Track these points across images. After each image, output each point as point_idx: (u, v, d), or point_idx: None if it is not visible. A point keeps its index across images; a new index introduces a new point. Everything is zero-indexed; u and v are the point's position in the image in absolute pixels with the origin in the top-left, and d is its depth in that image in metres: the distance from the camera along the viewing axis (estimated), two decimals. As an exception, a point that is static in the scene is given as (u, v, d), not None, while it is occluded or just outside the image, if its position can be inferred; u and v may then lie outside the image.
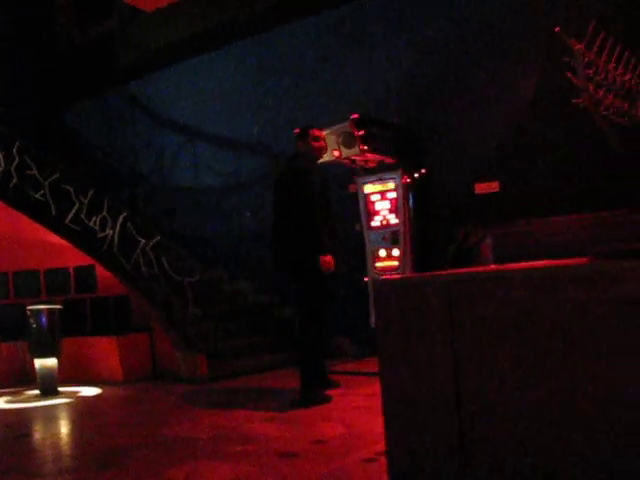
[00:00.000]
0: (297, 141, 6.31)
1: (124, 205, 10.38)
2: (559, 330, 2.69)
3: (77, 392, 7.81)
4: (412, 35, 8.39)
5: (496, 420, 2.82)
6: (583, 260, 2.90)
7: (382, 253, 7.95)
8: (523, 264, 3.27)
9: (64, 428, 6.29)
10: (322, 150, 6.43)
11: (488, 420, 2.85)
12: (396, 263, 7.79)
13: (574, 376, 2.64)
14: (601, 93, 5.36)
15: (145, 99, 11.87)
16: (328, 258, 5.76)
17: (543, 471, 2.72)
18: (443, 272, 3.39)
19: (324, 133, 6.59)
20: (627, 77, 5.59)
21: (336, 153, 7.83)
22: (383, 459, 3.33)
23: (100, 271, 9.29)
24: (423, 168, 8.02)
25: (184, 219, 11.11)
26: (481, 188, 7.58)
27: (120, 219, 9.64)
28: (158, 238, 9.44)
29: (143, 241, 9.37)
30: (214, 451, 4.64)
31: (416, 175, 7.93)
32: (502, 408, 2.80)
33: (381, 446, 3.52)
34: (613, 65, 5.43)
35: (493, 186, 7.51)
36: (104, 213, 9.80)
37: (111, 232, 9.63)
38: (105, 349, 8.46)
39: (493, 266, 3.76)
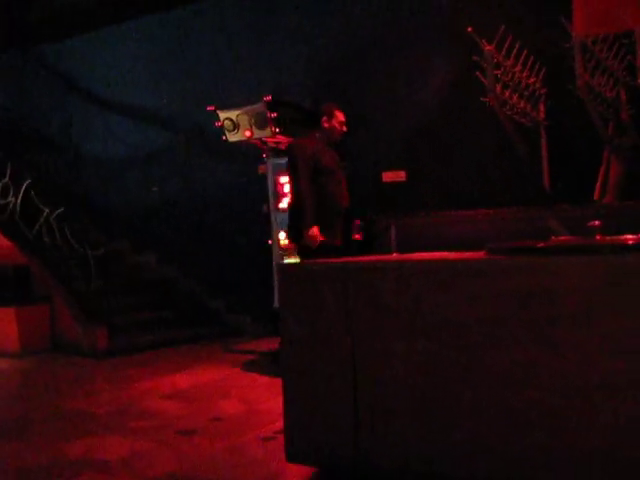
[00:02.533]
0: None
1: (29, 172, 10.07)
2: (453, 320, 2.84)
3: (-29, 363, 7.61)
4: (328, 24, 8.46)
5: (389, 404, 2.96)
6: (479, 254, 3.06)
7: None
8: (422, 255, 3.41)
9: (-44, 400, 6.13)
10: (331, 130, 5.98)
11: (383, 404, 2.98)
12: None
13: (466, 364, 2.80)
14: (507, 94, 5.59)
15: (58, 63, 11.51)
16: (311, 232, 5.62)
17: (435, 455, 2.88)
18: (341, 259, 3.50)
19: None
20: (531, 80, 5.85)
21: (247, 133, 7.83)
22: (281, 437, 3.43)
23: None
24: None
25: (90, 189, 10.89)
26: (388, 177, 7.75)
27: (24, 186, 9.36)
28: (62, 209, 9.22)
29: (47, 210, 9.13)
30: (113, 426, 4.64)
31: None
32: (395, 394, 2.94)
33: (280, 425, 3.63)
34: (519, 68, 5.66)
35: (400, 175, 7.68)
36: (6, 179, 9.51)
37: (13, 200, 9.36)
38: (2, 320, 8.23)
39: (393, 255, 3.90)
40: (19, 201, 9.30)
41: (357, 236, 5.96)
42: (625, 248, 2.65)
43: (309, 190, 5.62)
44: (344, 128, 5.98)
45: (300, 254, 5.76)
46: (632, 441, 2.48)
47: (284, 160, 8.05)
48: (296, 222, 5.69)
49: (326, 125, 5.87)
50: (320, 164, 5.71)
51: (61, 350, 8.15)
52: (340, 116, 5.91)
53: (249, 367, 6.60)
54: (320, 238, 5.54)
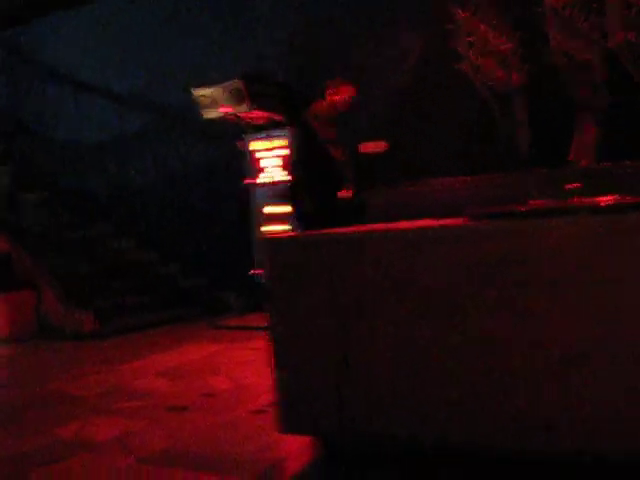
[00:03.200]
0: None
1: (6, 158, 10.00)
2: (434, 286, 2.88)
3: (-43, 351, 7.60)
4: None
5: (375, 374, 3.01)
6: (459, 220, 3.09)
7: (267, 210, 8.03)
8: (404, 223, 3.44)
9: (-56, 388, 6.13)
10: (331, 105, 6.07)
11: (368, 374, 3.03)
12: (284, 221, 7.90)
13: (447, 330, 2.85)
14: (481, 60, 5.61)
15: (26, 46, 11.38)
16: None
17: (413, 419, 2.94)
18: (325, 231, 3.52)
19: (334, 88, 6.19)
20: (505, 46, 5.87)
21: (223, 109, 7.82)
22: (272, 410, 3.48)
23: (-21, 227, 8.96)
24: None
25: (69, 174, 10.83)
26: (367, 147, 7.76)
27: (2, 172, 9.31)
28: (45, 193, 9.18)
29: (27, 196, 9.10)
30: (103, 407, 4.68)
31: (305, 133, 8.02)
32: (381, 363, 2.99)
33: (269, 398, 3.68)
34: (492, 33, 5.68)
35: (380, 146, 7.69)
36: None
37: (-9, 187, 9.32)
38: (-13, 307, 8.23)
39: (375, 225, 3.92)
40: (-1, 187, 9.26)
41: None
42: (602, 209, 2.70)
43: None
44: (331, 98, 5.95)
45: (301, 221, 5.76)
46: (604, 408, 2.55)
47: (262, 134, 8.09)
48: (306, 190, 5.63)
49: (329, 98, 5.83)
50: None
51: (47, 335, 8.14)
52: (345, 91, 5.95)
53: (236, 343, 6.65)
54: None
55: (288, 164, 7.79)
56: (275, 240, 3.56)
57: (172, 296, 8.99)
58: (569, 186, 3.02)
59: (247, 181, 8.21)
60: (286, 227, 7.69)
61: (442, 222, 3.13)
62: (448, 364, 2.84)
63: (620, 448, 2.57)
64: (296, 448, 3.48)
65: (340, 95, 5.86)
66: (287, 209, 7.69)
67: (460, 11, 5.40)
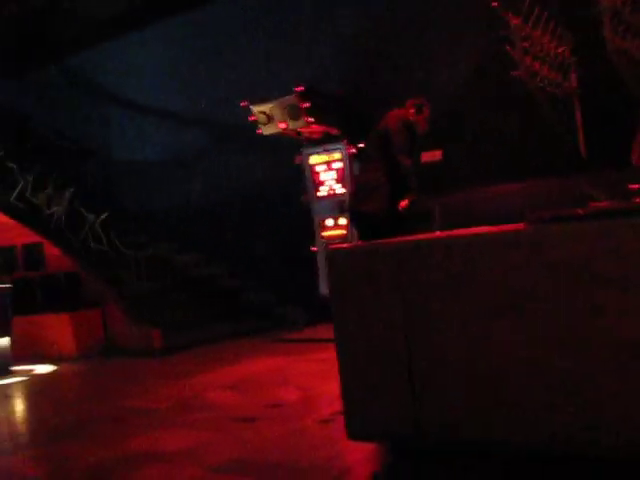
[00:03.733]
0: None
1: (71, 181, 10.32)
2: (500, 293, 2.89)
3: (31, 370, 7.83)
4: (354, 12, 8.50)
5: (446, 376, 3.03)
6: (519, 226, 3.10)
7: (329, 222, 8.11)
8: (465, 230, 3.46)
9: (20, 406, 6.32)
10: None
11: (438, 377, 3.05)
12: (343, 232, 7.98)
13: (514, 335, 2.86)
14: (537, 65, 5.59)
15: (88, 74, 11.74)
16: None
17: (484, 424, 2.95)
18: (391, 240, 3.56)
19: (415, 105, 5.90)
20: (560, 50, 5.84)
21: (282, 125, 7.94)
22: (340, 419, 3.51)
23: (49, 248, 9.25)
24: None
25: (132, 194, 11.10)
26: (426, 157, 7.78)
27: (67, 195, 9.60)
28: (107, 214, 9.43)
29: (92, 217, 9.36)
30: (173, 420, 4.77)
31: (361, 145, 8.08)
32: (449, 368, 3.01)
33: (336, 407, 3.72)
34: (548, 38, 5.65)
35: (437, 155, 7.70)
36: (50, 190, 9.75)
37: (59, 209, 9.60)
38: (57, 326, 8.47)
39: (437, 233, 3.95)
40: (64, 210, 9.54)
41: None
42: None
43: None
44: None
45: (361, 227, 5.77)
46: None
47: (320, 148, 8.19)
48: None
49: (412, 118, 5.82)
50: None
51: (115, 352, 8.36)
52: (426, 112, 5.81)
53: (301, 355, 6.70)
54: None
55: (342, 177, 7.88)
56: (340, 251, 3.61)
57: (238, 310, 9.11)
58: (630, 186, 3.00)
59: (307, 195, 8.31)
60: (343, 232, 7.79)
61: (503, 227, 3.14)
62: (515, 364, 2.84)
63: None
64: (364, 456, 3.51)
65: (425, 114, 5.81)
66: (346, 221, 7.77)
67: (512, 16, 5.37)
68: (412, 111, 5.75)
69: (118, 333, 8.49)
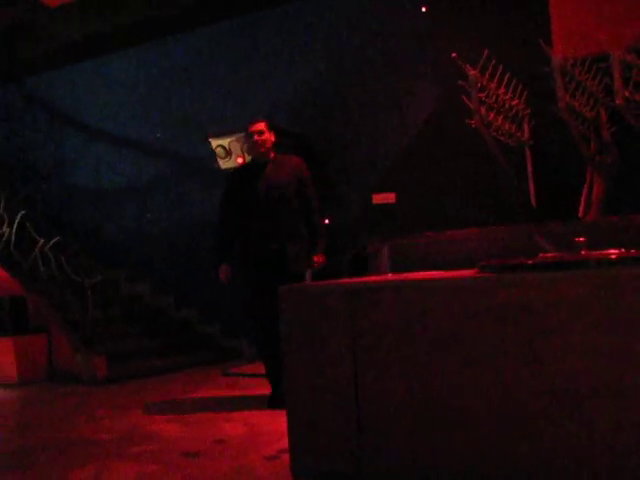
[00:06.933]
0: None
1: (22, 203, 10.20)
2: (448, 336, 2.98)
3: (-32, 395, 7.65)
4: (315, 48, 8.68)
5: (391, 418, 3.09)
6: (471, 272, 3.20)
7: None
8: (417, 274, 3.56)
9: (-43, 432, 6.17)
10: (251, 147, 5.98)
11: (384, 419, 3.11)
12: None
13: (460, 375, 2.94)
14: (492, 115, 5.77)
15: (45, 95, 11.68)
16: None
17: (435, 461, 3.01)
18: (344, 281, 3.63)
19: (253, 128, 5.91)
20: (515, 102, 6.04)
21: (240, 160, 8.00)
22: (285, 456, 3.54)
23: (-6, 271, 9.10)
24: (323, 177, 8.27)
25: (85, 219, 11.01)
26: (378, 199, 7.90)
27: (18, 217, 9.49)
28: (57, 238, 9.33)
29: (42, 241, 9.25)
30: (117, 452, 4.71)
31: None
32: (395, 407, 3.08)
33: (283, 444, 3.73)
34: (503, 90, 5.85)
35: (390, 197, 7.82)
36: (0, 210, 9.63)
37: (8, 230, 9.47)
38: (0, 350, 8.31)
39: (389, 276, 4.03)
40: (14, 232, 9.41)
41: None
42: (610, 262, 2.81)
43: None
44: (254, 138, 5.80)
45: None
46: (615, 443, 2.63)
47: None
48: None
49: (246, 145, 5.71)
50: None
51: (58, 379, 8.22)
52: (251, 127, 5.80)
53: (248, 389, 6.69)
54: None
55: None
56: (293, 289, 3.66)
57: (185, 342, 9.07)
58: (576, 239, 3.13)
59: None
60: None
61: (455, 273, 3.24)
62: (460, 406, 2.92)
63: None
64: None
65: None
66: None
67: (470, 67, 5.55)
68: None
69: (63, 360, 8.35)
